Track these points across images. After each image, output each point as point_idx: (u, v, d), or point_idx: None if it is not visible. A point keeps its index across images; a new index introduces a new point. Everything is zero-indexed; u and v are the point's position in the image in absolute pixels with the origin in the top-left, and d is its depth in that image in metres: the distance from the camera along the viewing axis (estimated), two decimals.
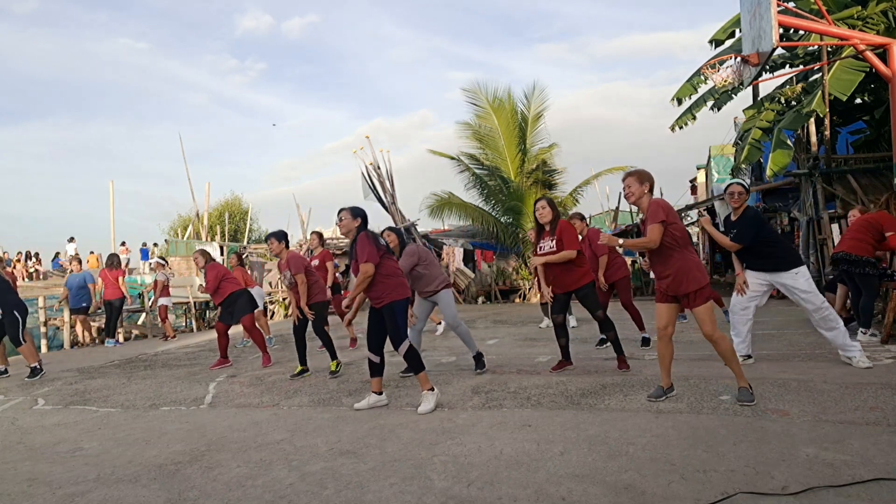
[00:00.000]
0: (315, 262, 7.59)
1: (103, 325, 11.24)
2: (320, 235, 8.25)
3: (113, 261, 10.93)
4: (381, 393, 4.51)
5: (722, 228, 5.19)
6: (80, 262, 11.32)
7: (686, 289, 3.88)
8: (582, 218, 7.00)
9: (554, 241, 5.17)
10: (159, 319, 11.68)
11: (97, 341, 11.62)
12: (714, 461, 2.89)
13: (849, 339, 4.89)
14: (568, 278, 5.19)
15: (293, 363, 6.22)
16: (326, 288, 6.43)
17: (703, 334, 3.92)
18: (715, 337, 3.87)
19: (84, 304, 10.48)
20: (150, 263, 12.52)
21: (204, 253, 7.26)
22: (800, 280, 4.78)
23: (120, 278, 10.68)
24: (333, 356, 5.97)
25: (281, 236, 6.11)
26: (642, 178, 4.04)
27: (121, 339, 11.55)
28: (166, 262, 12.62)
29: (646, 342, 6.53)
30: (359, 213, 4.50)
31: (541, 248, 5.29)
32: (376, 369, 4.45)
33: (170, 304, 11.62)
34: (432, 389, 4.29)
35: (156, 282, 11.50)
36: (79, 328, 10.91)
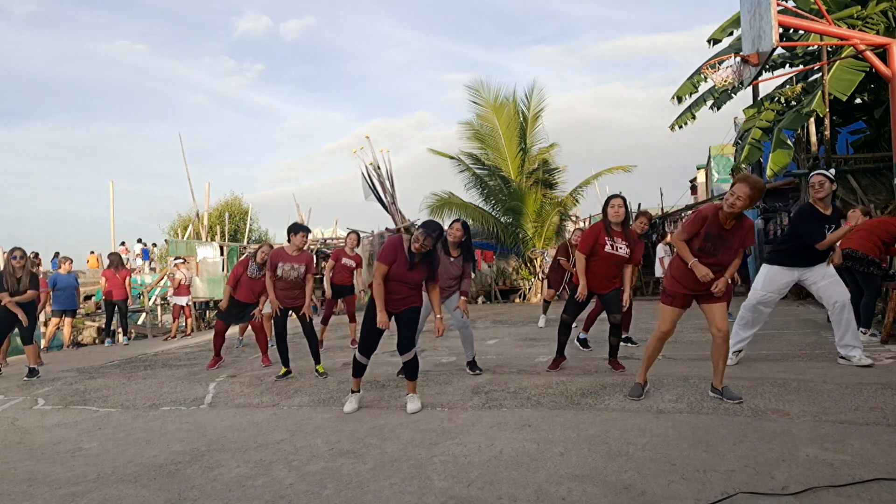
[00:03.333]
0: (352, 263, 7.88)
1: (103, 325, 11.18)
2: (359, 236, 8.40)
3: (117, 260, 10.74)
4: (360, 390, 4.54)
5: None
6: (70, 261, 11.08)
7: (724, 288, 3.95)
8: (650, 218, 6.58)
9: (627, 247, 4.99)
10: (173, 317, 11.62)
11: (97, 341, 11.60)
12: (714, 461, 2.89)
13: (854, 339, 4.92)
14: (605, 284, 5.10)
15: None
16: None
17: (717, 329, 3.93)
18: (727, 335, 3.94)
19: (75, 307, 10.39)
20: (172, 262, 12.29)
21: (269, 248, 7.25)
22: (830, 267, 4.89)
23: (127, 279, 10.58)
24: (317, 360, 5.98)
25: (308, 233, 6.12)
26: (756, 197, 3.62)
27: (120, 339, 11.52)
28: (185, 260, 12.48)
29: (625, 341, 6.64)
30: (439, 236, 4.21)
31: (615, 247, 4.98)
32: (362, 370, 4.46)
33: (185, 304, 11.51)
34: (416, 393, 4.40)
35: (172, 278, 11.45)
36: (67, 330, 10.75)
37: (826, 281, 4.83)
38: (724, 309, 3.97)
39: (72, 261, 10.59)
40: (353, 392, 4.50)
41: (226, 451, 3.57)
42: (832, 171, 5.63)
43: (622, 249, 4.98)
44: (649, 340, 4.22)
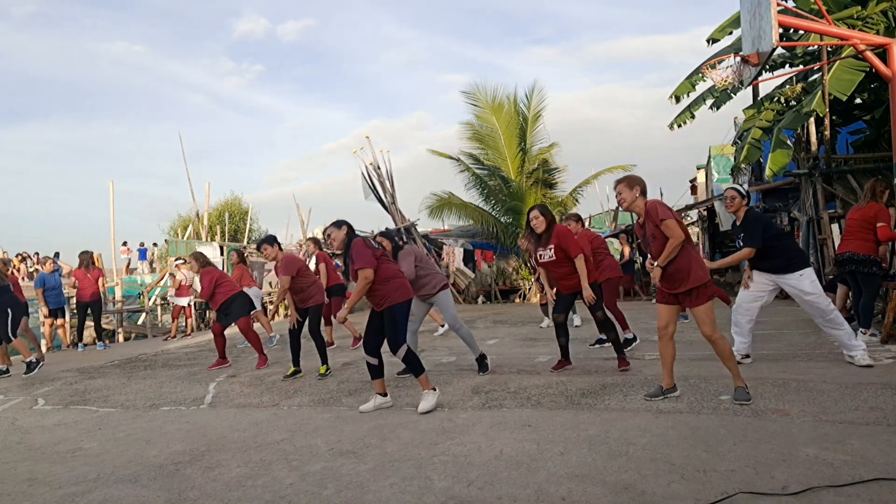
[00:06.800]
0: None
1: (103, 327, 11.06)
2: (316, 241, 8.52)
3: (87, 259, 10.02)
4: (385, 394, 4.44)
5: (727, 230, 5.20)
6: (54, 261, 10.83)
7: (687, 286, 3.87)
8: (578, 219, 6.93)
9: (553, 250, 5.16)
10: (173, 317, 11.58)
11: (95, 341, 11.54)
12: (714, 461, 2.89)
13: (853, 339, 4.91)
14: (574, 280, 5.19)
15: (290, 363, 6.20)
16: (323, 290, 6.42)
17: (702, 334, 3.94)
18: (714, 337, 3.88)
19: (62, 304, 10.20)
20: (174, 263, 12.10)
21: (199, 257, 7.05)
22: (804, 282, 4.75)
23: (100, 279, 10.00)
24: (324, 360, 5.95)
25: (272, 240, 6.06)
26: (632, 183, 4.06)
27: (121, 339, 11.48)
28: (186, 261, 12.42)
29: (627, 342, 6.58)
30: (343, 223, 4.52)
31: (541, 255, 5.28)
32: (376, 371, 4.40)
33: (186, 305, 11.44)
34: (434, 389, 4.31)
35: (173, 278, 11.37)
36: (62, 330, 10.60)
37: (804, 298, 4.81)
38: (706, 311, 3.88)
39: (53, 259, 10.50)
40: (376, 394, 4.45)
41: (226, 451, 3.57)
42: (743, 185, 5.75)
43: (547, 255, 5.23)
44: None
